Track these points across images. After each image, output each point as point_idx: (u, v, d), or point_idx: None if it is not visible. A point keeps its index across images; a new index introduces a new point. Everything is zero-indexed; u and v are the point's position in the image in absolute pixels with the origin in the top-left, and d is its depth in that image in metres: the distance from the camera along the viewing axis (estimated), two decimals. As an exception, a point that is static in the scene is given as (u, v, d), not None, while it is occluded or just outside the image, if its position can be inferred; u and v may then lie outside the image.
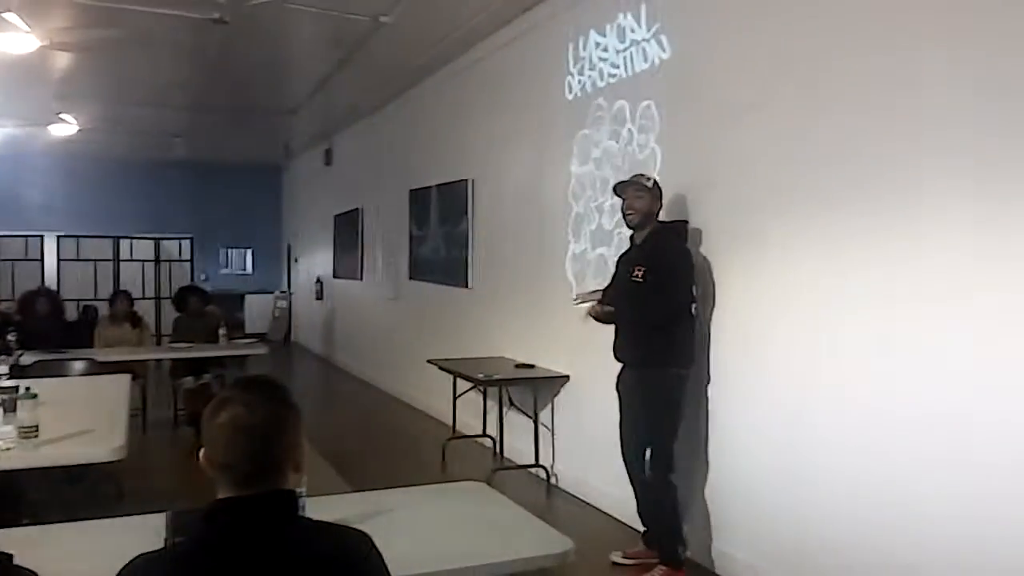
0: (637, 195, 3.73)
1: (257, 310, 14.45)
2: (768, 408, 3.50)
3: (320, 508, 2.25)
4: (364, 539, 1.54)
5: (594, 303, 3.85)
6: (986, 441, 2.57)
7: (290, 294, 14.35)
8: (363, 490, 3.40)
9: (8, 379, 3.70)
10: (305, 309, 13.30)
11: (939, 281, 2.72)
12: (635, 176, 3.82)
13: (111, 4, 5.41)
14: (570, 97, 5.08)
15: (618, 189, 3.83)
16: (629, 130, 4.49)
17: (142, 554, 1.40)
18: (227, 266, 14.92)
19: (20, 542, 1.71)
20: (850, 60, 3.12)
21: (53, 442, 3.17)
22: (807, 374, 3.29)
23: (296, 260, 13.92)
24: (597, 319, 3.85)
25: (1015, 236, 2.49)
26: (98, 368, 5.63)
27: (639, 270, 3.67)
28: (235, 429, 1.42)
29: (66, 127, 9.18)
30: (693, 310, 3.67)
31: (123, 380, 5.06)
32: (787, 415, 3.40)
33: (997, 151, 2.56)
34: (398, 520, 2.25)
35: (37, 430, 3.15)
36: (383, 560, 1.54)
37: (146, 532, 2.00)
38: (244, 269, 15.11)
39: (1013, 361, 2.48)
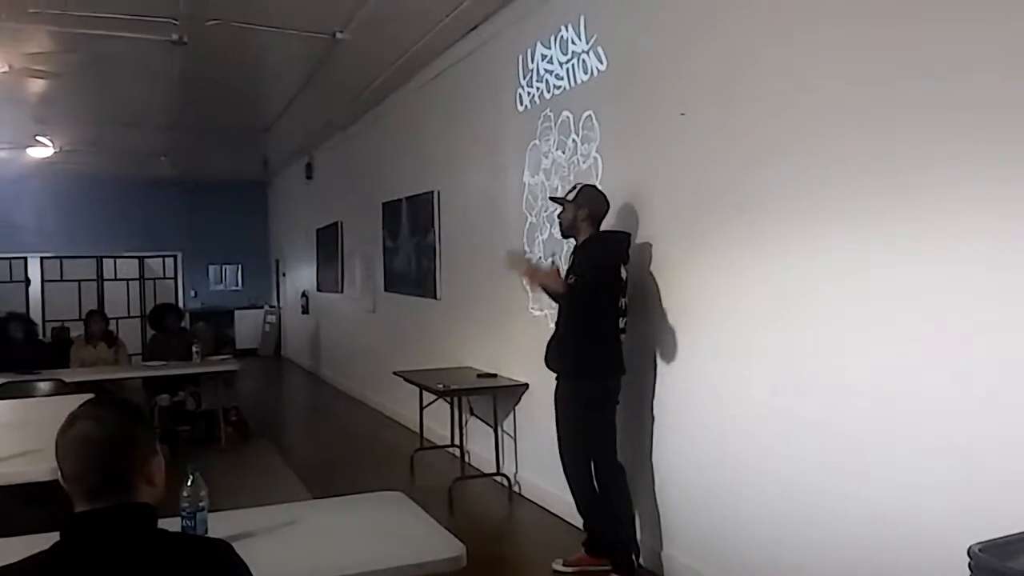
0: (561, 208, 3.82)
1: (247, 325, 14.54)
2: (716, 415, 3.52)
3: (229, 521, 2.31)
4: (223, 548, 1.59)
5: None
6: (932, 447, 2.53)
7: (279, 308, 14.43)
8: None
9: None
10: (293, 323, 13.37)
11: (888, 284, 2.66)
12: (570, 190, 3.90)
13: (73, 29, 5.51)
14: (521, 109, 5.15)
15: (553, 200, 3.94)
16: (574, 140, 4.56)
17: (2, 567, 1.46)
18: (220, 282, 15.02)
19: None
20: (774, 63, 3.17)
21: (-1, 461, 3.22)
22: (752, 382, 3.29)
23: (284, 275, 14.00)
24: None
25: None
26: (69, 388, 5.69)
27: (570, 279, 3.75)
28: (84, 443, 1.48)
29: (43, 149, 9.28)
30: (623, 324, 3.72)
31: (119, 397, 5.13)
32: (733, 422, 3.42)
33: (915, 148, 2.60)
34: (301, 531, 2.30)
35: (-23, 451, 3.21)
36: (246, 568, 1.58)
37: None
38: (235, 285, 15.21)
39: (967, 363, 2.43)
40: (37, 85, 7.05)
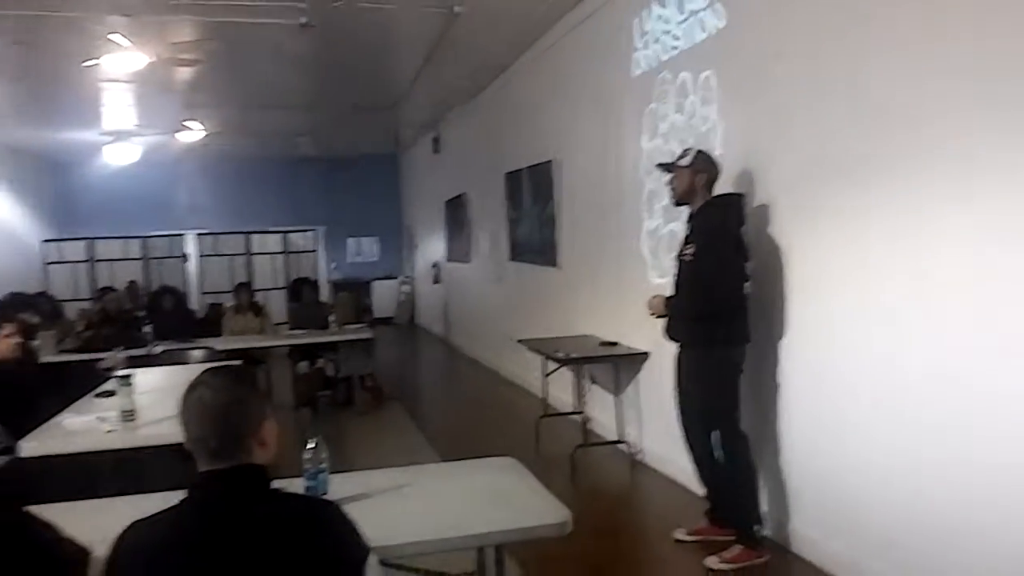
0: (675, 175, 3.71)
1: (384, 295, 15.11)
2: (841, 385, 3.38)
3: (349, 482, 2.44)
4: (332, 508, 1.69)
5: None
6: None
7: (412, 279, 14.90)
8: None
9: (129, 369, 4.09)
10: (425, 292, 13.79)
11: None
12: (680, 156, 3.78)
13: (210, 18, 5.85)
14: (637, 72, 5.05)
15: (662, 167, 3.83)
16: (692, 102, 4.43)
17: (137, 519, 1.62)
18: (358, 254, 15.66)
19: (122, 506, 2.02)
20: (912, 20, 2.94)
21: (153, 423, 3.53)
22: (884, 349, 3.12)
23: (417, 246, 14.43)
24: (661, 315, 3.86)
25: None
26: (219, 356, 6.12)
27: (689, 248, 3.66)
28: (202, 408, 1.61)
29: (193, 133, 9.94)
30: (746, 288, 3.61)
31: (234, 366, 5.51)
32: (862, 392, 3.26)
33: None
34: (415, 493, 2.40)
35: (134, 414, 3.53)
36: (354, 527, 1.67)
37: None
38: (372, 257, 15.79)
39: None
40: (183, 73, 7.54)
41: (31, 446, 3.31)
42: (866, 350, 3.21)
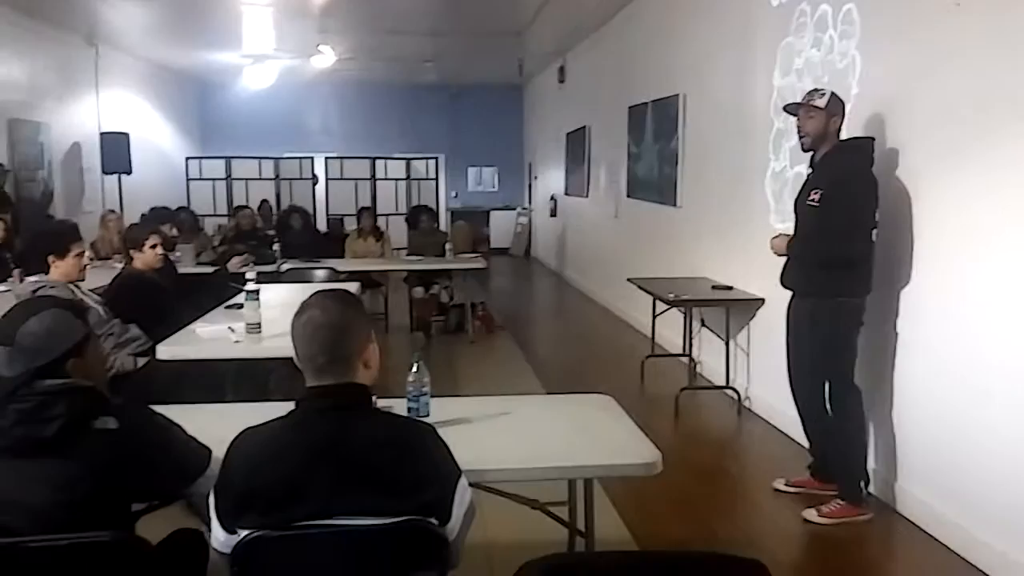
0: (808, 115, 3.49)
1: (502, 225, 15.26)
2: (965, 341, 3.20)
3: (450, 406, 2.53)
4: (428, 430, 1.76)
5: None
6: None
7: (530, 210, 14.94)
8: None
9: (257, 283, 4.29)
10: (542, 225, 13.81)
11: None
12: (808, 94, 3.57)
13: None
14: (775, 3, 4.78)
15: (790, 109, 3.62)
16: (831, 37, 4.17)
17: (248, 427, 1.74)
18: (479, 184, 15.84)
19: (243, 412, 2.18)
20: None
21: (276, 337, 3.74)
22: (1016, 306, 2.93)
23: (535, 178, 14.42)
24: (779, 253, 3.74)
25: None
26: (340, 277, 6.38)
27: (815, 194, 3.46)
28: (312, 327, 1.70)
29: (325, 58, 10.18)
30: (873, 236, 3.42)
31: (352, 288, 5.75)
32: (987, 350, 3.08)
33: None
34: (511, 422, 2.46)
35: (260, 327, 3.75)
36: (446, 449, 1.74)
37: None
38: (491, 187, 15.93)
39: None
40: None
41: (167, 350, 3.59)
42: (996, 306, 3.01)
